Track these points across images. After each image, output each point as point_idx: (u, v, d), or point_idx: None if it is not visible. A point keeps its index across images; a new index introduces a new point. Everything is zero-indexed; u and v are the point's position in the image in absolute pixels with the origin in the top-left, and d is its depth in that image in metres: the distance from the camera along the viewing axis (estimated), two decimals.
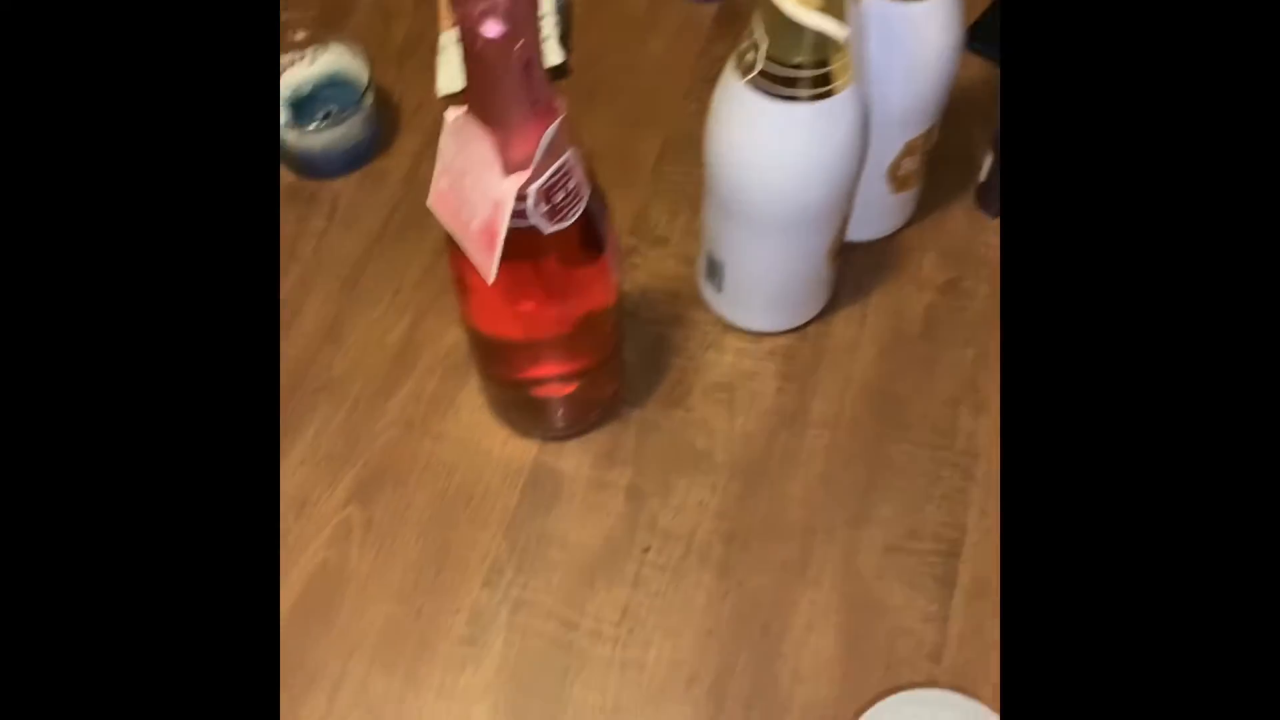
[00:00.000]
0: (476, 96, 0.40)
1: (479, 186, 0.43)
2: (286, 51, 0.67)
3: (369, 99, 0.66)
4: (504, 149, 0.41)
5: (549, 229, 0.43)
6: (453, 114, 0.42)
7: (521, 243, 0.43)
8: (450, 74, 0.71)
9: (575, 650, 0.52)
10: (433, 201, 0.46)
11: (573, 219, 0.44)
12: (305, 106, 0.67)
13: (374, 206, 0.66)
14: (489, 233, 0.43)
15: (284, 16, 0.67)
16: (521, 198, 0.42)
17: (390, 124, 0.69)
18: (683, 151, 0.67)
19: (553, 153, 0.42)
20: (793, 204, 0.50)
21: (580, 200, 0.44)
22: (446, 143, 0.44)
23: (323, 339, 0.61)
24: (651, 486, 0.56)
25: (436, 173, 0.45)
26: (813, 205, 0.50)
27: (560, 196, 0.43)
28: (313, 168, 0.67)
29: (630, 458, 0.57)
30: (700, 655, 0.52)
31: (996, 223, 0.64)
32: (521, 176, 0.41)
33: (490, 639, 0.52)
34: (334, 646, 0.52)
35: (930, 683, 0.50)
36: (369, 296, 0.63)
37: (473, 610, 0.53)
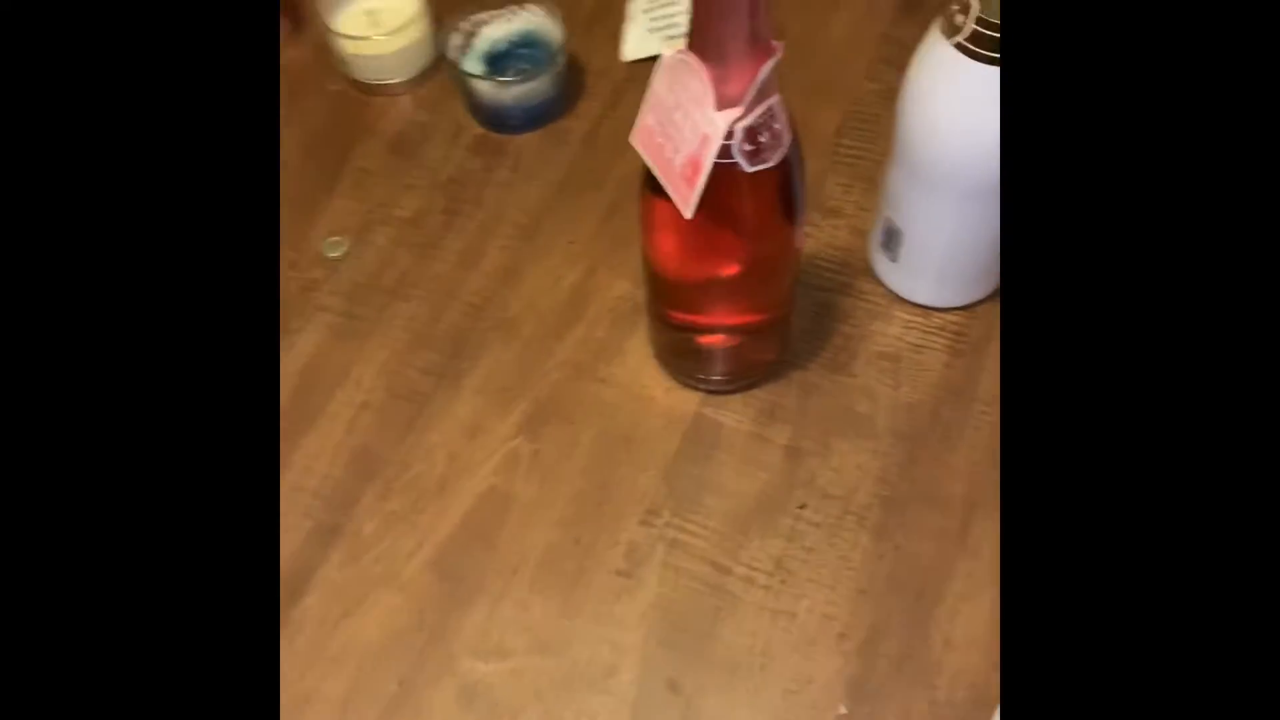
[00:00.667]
0: (701, 27, 0.41)
1: (689, 121, 0.44)
2: (487, 9, 0.70)
3: (561, 59, 0.69)
4: (720, 84, 0.42)
5: (750, 169, 0.45)
6: (669, 52, 0.44)
7: (721, 181, 0.45)
8: (636, 41, 0.73)
9: (727, 593, 0.53)
10: (635, 137, 0.48)
11: (774, 162, 0.45)
12: (500, 61, 0.70)
13: (555, 162, 0.69)
14: (693, 165, 0.44)
15: None
16: (729, 135, 0.43)
17: (575, 86, 0.72)
18: (861, 128, 0.68)
19: (764, 93, 0.43)
20: (991, 170, 0.50)
21: (783, 145, 0.45)
22: (659, 80, 0.45)
23: (500, 281, 0.64)
24: (811, 446, 0.57)
25: (643, 110, 0.47)
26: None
27: (765, 137, 0.44)
28: (501, 121, 0.70)
29: (791, 417, 0.58)
30: (853, 611, 0.52)
31: None
32: (733, 113, 0.43)
33: (645, 574, 0.53)
34: (497, 565, 0.54)
35: None
36: (545, 245, 0.65)
37: (629, 545, 0.54)
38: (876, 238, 0.60)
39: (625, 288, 0.63)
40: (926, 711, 0.49)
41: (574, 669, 0.51)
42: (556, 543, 0.55)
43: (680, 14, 0.75)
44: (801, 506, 0.55)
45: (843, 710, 0.50)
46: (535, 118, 0.70)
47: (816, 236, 0.64)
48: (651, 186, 0.48)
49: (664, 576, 0.53)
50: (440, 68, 0.73)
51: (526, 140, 0.70)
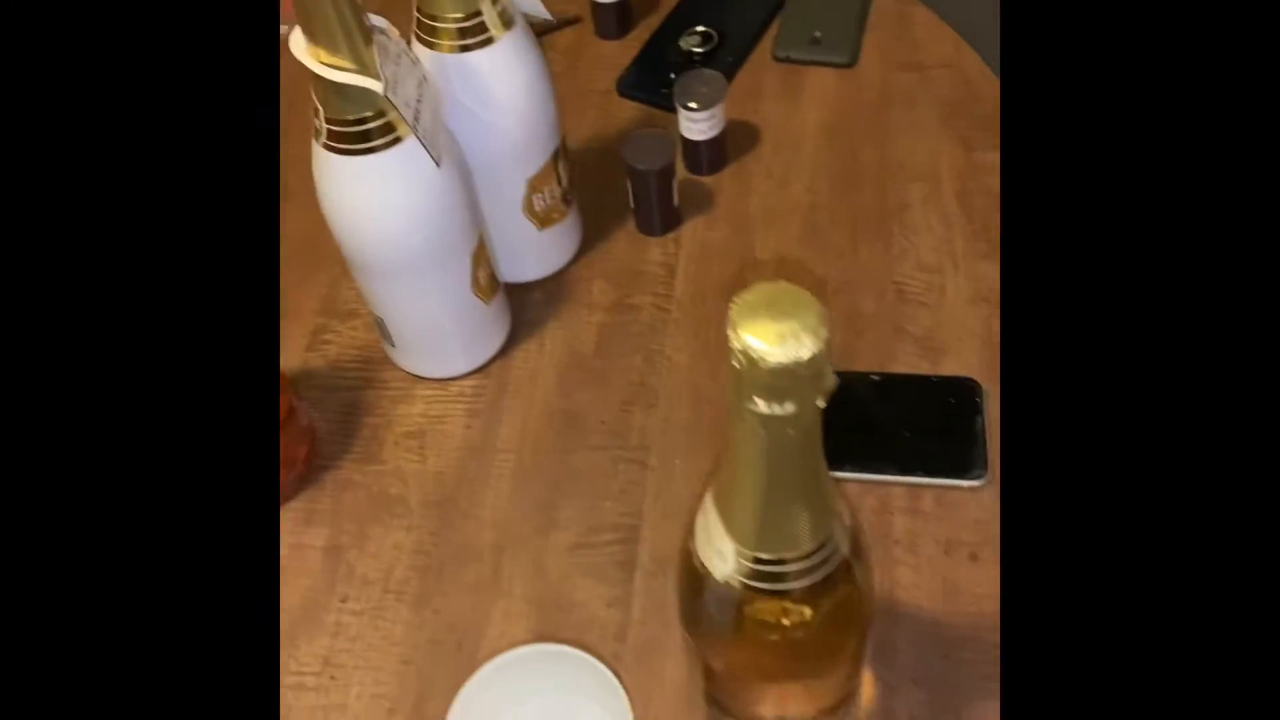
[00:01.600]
0: None
1: None
2: None
3: None
4: None
5: None
6: None
7: None
8: None
9: (283, 709, 0.53)
10: None
11: None
12: None
13: None
14: None
15: None
16: None
17: None
18: None
19: None
20: (401, 246, 0.55)
21: None
22: None
23: None
24: (348, 539, 0.59)
25: None
26: (420, 244, 0.55)
27: None
28: None
29: (328, 518, 0.59)
30: (399, 685, 0.53)
31: (655, 240, 0.69)
32: None
33: None
34: None
35: (616, 659, 0.53)
36: None
37: None
38: (376, 330, 0.64)
39: None
40: None
41: None
42: None
43: None
44: (343, 600, 0.56)
45: None
46: None
47: (336, 342, 0.67)
48: None
49: None
50: None
51: None
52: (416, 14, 0.56)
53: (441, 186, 0.54)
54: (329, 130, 0.51)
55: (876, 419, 0.59)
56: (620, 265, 0.69)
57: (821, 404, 0.31)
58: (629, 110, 0.77)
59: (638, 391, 0.63)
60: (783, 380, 0.29)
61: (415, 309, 0.59)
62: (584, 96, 0.77)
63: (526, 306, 0.67)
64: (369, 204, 0.53)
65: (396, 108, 0.50)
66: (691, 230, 0.70)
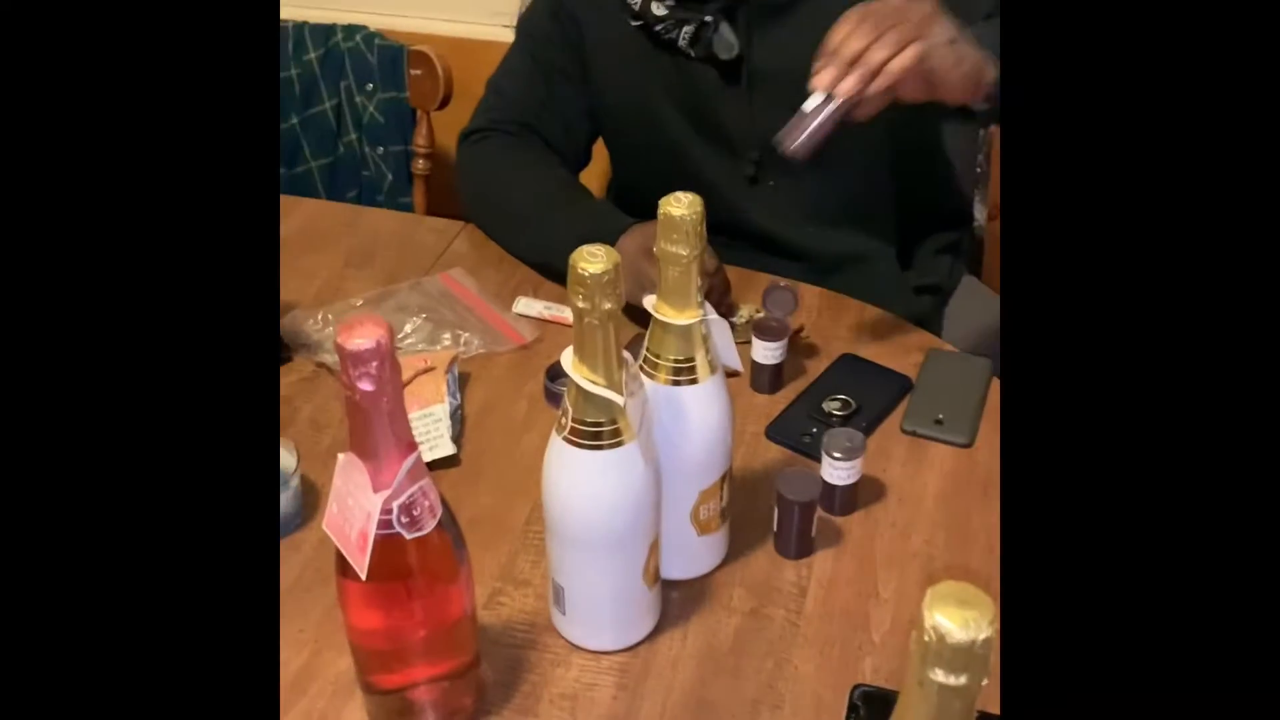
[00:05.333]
0: (356, 435, 0.57)
1: (357, 504, 0.59)
2: None
3: (295, 482, 0.84)
4: (374, 474, 0.58)
5: (409, 536, 0.59)
6: (342, 457, 0.60)
7: (389, 549, 0.59)
8: None
9: None
10: (325, 523, 0.62)
11: (428, 530, 0.60)
12: None
13: (291, 565, 0.81)
14: (362, 536, 0.58)
15: None
16: (387, 511, 0.58)
17: (311, 506, 0.86)
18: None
19: (411, 477, 0.59)
20: (603, 527, 0.67)
21: (434, 516, 0.60)
22: (336, 477, 0.61)
23: None
24: None
25: (329, 501, 0.61)
26: (617, 528, 0.67)
27: (417, 511, 0.59)
28: None
29: None
30: None
31: (790, 561, 0.80)
32: (385, 493, 0.58)
33: None
34: None
35: None
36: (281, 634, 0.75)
37: None
38: (550, 595, 0.74)
39: (347, 663, 0.73)
40: None
41: None
42: None
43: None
44: None
45: None
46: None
47: (509, 605, 0.77)
48: (341, 569, 0.62)
49: None
50: None
51: None
52: (645, 350, 0.72)
53: (644, 485, 0.67)
54: (572, 427, 0.65)
55: None
56: (758, 579, 0.79)
57: (985, 682, 0.40)
58: (774, 452, 0.91)
59: (766, 692, 0.71)
60: (961, 656, 0.39)
61: (594, 581, 0.70)
62: (738, 435, 0.92)
63: (674, 602, 0.77)
64: (588, 490, 0.66)
65: (627, 418, 0.65)
66: (822, 559, 0.81)
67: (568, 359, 0.64)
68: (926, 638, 0.40)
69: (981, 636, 0.39)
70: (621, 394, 0.64)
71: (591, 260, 0.59)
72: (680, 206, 0.65)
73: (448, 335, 1.00)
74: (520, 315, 1.03)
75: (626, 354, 0.65)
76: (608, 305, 0.60)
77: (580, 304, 0.60)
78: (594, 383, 0.63)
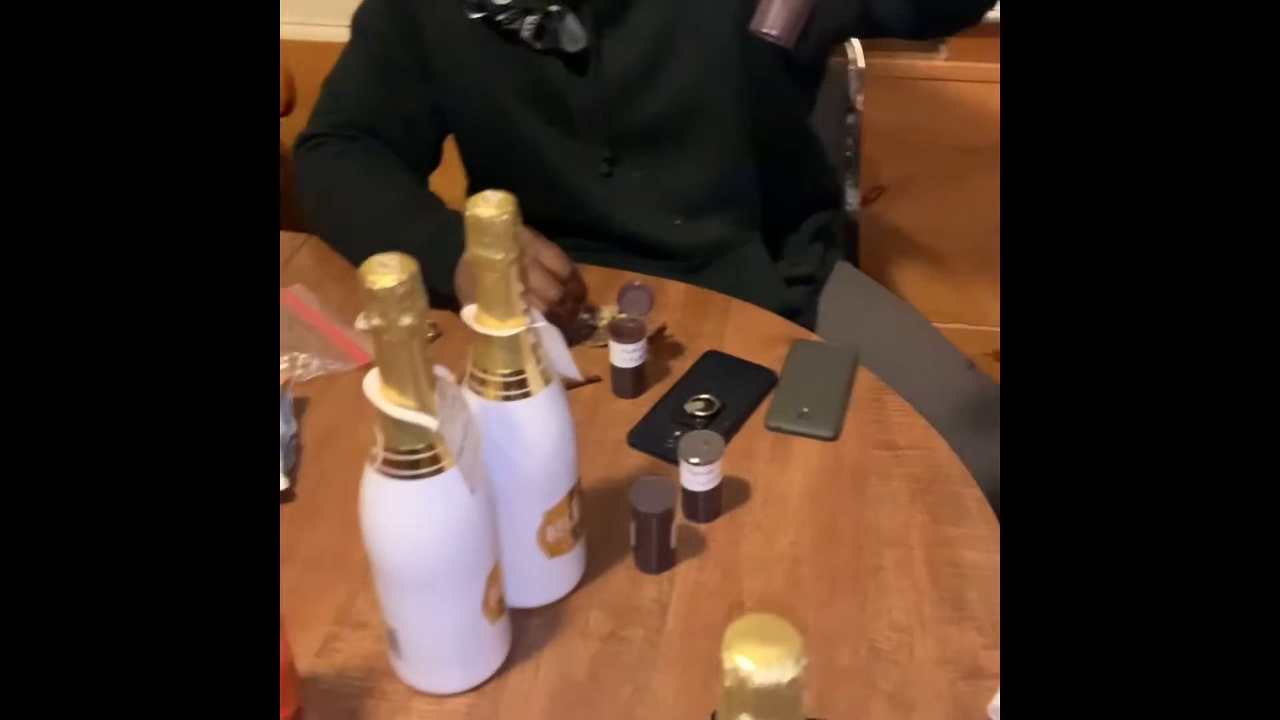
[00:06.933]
0: None
1: None
2: None
3: None
4: None
5: None
6: None
7: None
8: None
9: None
10: None
11: None
12: None
13: None
14: None
15: None
16: None
17: None
18: None
19: None
20: (431, 562, 0.61)
21: None
22: None
23: None
24: None
25: None
26: (445, 562, 0.61)
27: None
28: None
29: None
30: None
31: (651, 577, 0.75)
32: None
33: None
34: None
35: None
36: None
37: None
38: (388, 639, 0.68)
39: None
40: None
41: None
42: None
43: None
44: None
45: None
46: None
47: (344, 650, 0.71)
48: None
49: None
50: None
51: None
52: (470, 366, 0.66)
53: (472, 513, 0.61)
54: (384, 458, 0.59)
55: None
56: (617, 599, 0.74)
57: None
58: (637, 459, 0.86)
59: None
60: (767, 701, 0.35)
61: (429, 622, 0.64)
62: (599, 444, 0.87)
63: (526, 630, 0.72)
64: (408, 523, 0.60)
65: (445, 443, 0.59)
66: (685, 571, 0.76)
67: (372, 385, 0.58)
68: (728, 682, 0.35)
69: (787, 678, 0.34)
70: (435, 416, 0.58)
71: (382, 272, 0.53)
72: (489, 207, 0.60)
73: (284, 359, 0.93)
74: (365, 331, 0.97)
75: (442, 370, 0.60)
76: (406, 321, 0.54)
77: (376, 321, 0.54)
78: (403, 406, 0.57)
